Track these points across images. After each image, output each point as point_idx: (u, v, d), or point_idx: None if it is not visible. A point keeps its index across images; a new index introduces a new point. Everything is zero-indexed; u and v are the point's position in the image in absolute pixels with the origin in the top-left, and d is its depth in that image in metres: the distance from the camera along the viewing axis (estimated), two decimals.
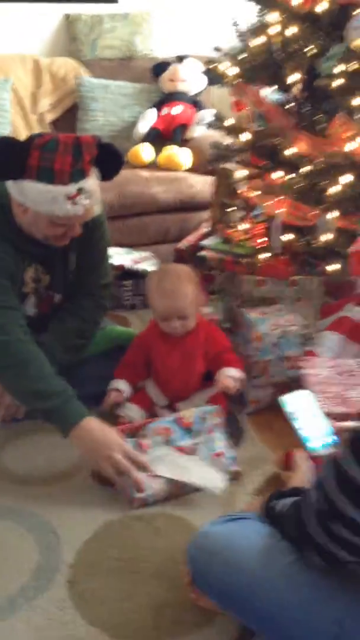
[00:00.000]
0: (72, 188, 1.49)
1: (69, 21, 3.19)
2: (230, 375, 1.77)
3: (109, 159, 1.57)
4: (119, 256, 2.58)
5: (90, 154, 1.50)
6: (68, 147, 1.47)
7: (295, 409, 1.19)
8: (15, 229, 1.62)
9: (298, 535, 1.04)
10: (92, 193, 1.54)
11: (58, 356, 1.73)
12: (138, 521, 1.50)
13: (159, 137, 2.97)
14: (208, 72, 3.08)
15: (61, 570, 1.36)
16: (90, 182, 1.52)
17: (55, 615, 1.26)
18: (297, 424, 1.17)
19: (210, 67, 2.18)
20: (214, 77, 2.95)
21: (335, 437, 1.19)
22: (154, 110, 3.05)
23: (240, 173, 2.10)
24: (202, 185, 2.79)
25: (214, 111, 2.49)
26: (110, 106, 3.05)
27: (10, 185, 1.54)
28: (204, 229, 2.57)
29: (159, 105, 3.06)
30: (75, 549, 1.42)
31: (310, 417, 1.20)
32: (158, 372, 1.82)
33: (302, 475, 1.58)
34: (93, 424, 1.53)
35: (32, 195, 1.50)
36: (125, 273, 2.54)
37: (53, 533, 1.46)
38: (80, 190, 1.50)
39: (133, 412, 1.78)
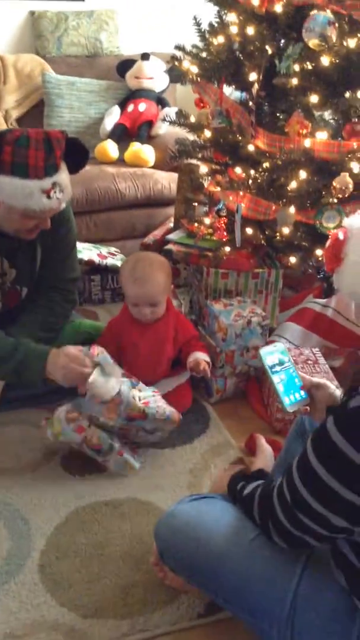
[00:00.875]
0: (47, 182, 1.53)
1: (34, 18, 3.19)
2: (202, 358, 1.84)
3: (76, 153, 1.61)
4: (87, 251, 2.61)
5: (60, 148, 1.54)
6: (39, 143, 1.51)
7: (272, 362, 1.24)
8: None
9: (262, 520, 1.10)
10: (65, 187, 1.58)
11: None
12: (106, 506, 1.56)
13: (124, 134, 3.01)
14: (171, 70, 3.14)
15: (32, 556, 1.41)
16: (63, 176, 1.57)
17: (27, 598, 1.31)
18: (273, 378, 1.23)
19: (173, 65, 2.22)
20: (177, 75, 3.03)
21: (304, 393, 1.27)
22: (118, 107, 3.08)
23: (203, 169, 2.15)
24: (167, 181, 2.84)
25: (176, 109, 2.54)
26: (76, 103, 3.07)
27: None
28: (169, 224, 2.62)
29: (124, 102, 3.09)
30: (45, 535, 1.46)
31: (285, 371, 1.26)
32: (128, 356, 1.87)
33: (265, 459, 1.65)
34: (53, 357, 1.62)
35: (7, 190, 1.52)
36: (94, 268, 2.58)
37: (23, 520, 1.50)
38: (54, 184, 1.54)
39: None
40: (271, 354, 1.20)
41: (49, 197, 1.54)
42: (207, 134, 2.05)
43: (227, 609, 1.20)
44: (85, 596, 1.32)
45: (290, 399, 1.22)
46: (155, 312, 1.81)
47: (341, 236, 1.15)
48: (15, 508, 1.54)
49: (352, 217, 1.18)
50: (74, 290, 1.95)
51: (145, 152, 2.91)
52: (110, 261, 2.62)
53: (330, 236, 1.17)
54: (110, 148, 2.94)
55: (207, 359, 1.86)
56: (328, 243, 1.17)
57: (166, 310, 1.85)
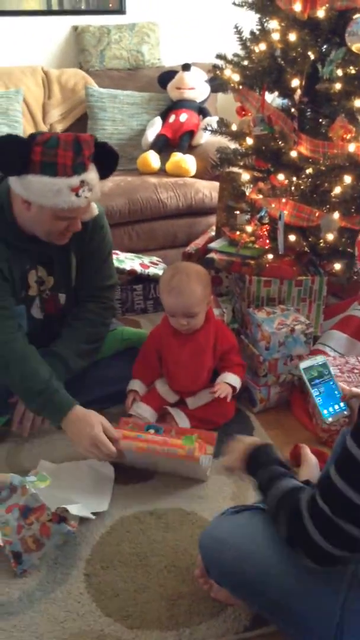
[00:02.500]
0: (75, 180, 1.54)
1: (77, 33, 3.26)
2: (228, 382, 1.82)
3: (106, 157, 1.63)
4: (129, 261, 2.63)
5: (89, 149, 1.56)
6: (68, 144, 1.53)
7: (311, 375, 1.23)
8: (14, 229, 1.66)
9: (289, 530, 1.06)
10: (94, 186, 1.59)
11: (72, 364, 1.78)
12: (150, 516, 1.55)
13: (166, 144, 3.03)
14: (212, 80, 3.15)
15: (78, 565, 1.41)
16: (91, 175, 1.58)
17: (73, 608, 1.31)
18: (312, 391, 1.21)
19: (214, 74, 2.22)
20: (218, 84, 3.03)
21: (343, 405, 1.24)
22: (160, 118, 3.10)
23: (245, 177, 2.14)
24: (209, 190, 2.84)
25: (217, 118, 2.54)
26: (119, 115, 3.11)
27: (14, 181, 1.58)
28: (211, 232, 2.62)
29: (165, 113, 3.12)
30: (90, 544, 1.47)
31: (325, 384, 1.24)
32: (168, 366, 1.87)
33: (310, 470, 1.62)
34: (77, 415, 1.62)
35: (36, 189, 1.54)
36: (136, 278, 2.59)
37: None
38: (82, 182, 1.55)
39: (142, 410, 1.83)
40: (310, 368, 1.20)
41: (77, 195, 1.55)
42: (249, 141, 2.05)
43: (273, 622, 1.17)
44: (130, 606, 1.32)
45: (329, 410, 1.20)
46: (192, 323, 1.79)
47: None
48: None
49: None
50: (112, 298, 1.96)
51: (186, 161, 2.92)
52: (152, 270, 2.63)
53: None
54: (152, 159, 2.97)
55: (236, 382, 1.83)
56: None
57: (206, 320, 1.83)
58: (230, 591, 1.23)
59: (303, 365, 1.21)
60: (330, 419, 1.22)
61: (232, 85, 2.06)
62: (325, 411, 1.20)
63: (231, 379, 1.83)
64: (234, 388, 1.83)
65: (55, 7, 3.25)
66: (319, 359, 1.27)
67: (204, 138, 3.03)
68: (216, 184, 2.75)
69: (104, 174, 1.64)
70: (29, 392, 1.66)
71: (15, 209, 1.64)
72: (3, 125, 2.88)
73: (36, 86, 3.14)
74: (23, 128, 2.99)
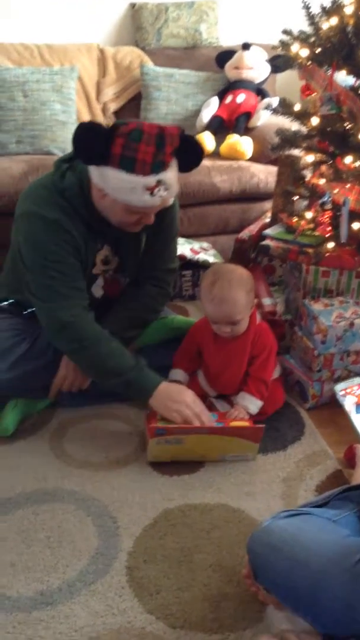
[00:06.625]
0: (151, 179, 1.48)
1: (135, 10, 3.18)
2: (245, 406, 1.70)
3: (190, 151, 1.56)
4: (179, 246, 2.55)
5: (172, 145, 1.49)
6: (152, 138, 1.46)
7: (349, 398, 1.14)
8: (91, 209, 1.63)
9: None
10: (171, 185, 1.52)
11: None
12: (195, 510, 1.49)
13: (221, 126, 2.93)
14: (273, 60, 3.02)
15: (119, 557, 1.36)
16: (169, 175, 1.51)
17: (114, 602, 1.26)
18: (351, 414, 1.13)
19: (279, 51, 2.11)
20: (280, 64, 2.91)
21: None
22: (217, 98, 3.00)
23: (309, 159, 2.03)
24: (264, 174, 2.73)
25: (278, 99, 2.42)
26: (174, 95, 3.03)
27: (92, 169, 1.54)
28: (266, 219, 2.52)
29: (222, 94, 3.01)
30: (133, 536, 1.41)
31: None
32: (207, 366, 1.80)
33: None
34: (165, 390, 1.62)
35: (112, 183, 1.50)
36: (186, 263, 2.52)
37: (112, 518, 1.46)
38: (159, 182, 1.49)
39: (174, 374, 1.79)
40: (348, 389, 1.10)
41: (152, 194, 1.50)
42: (314, 122, 1.93)
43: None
44: (173, 604, 1.25)
45: None
46: (236, 330, 1.70)
47: None
48: (104, 504, 1.50)
49: None
50: (171, 282, 1.91)
51: (242, 144, 2.81)
52: (202, 256, 2.56)
53: None
54: (207, 140, 2.87)
55: (255, 408, 1.71)
56: None
57: (248, 326, 1.73)
58: (280, 600, 1.15)
59: (339, 387, 1.13)
60: None
61: (299, 61, 1.94)
62: None
63: (250, 404, 1.71)
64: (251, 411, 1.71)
65: None
66: (357, 380, 1.17)
67: (262, 120, 2.91)
68: (272, 169, 2.64)
69: (186, 168, 1.57)
70: (114, 370, 1.62)
71: (93, 194, 1.60)
72: (56, 103, 2.83)
73: (91, 64, 3.08)
74: (76, 106, 2.93)
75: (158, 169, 1.48)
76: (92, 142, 1.47)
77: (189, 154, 1.56)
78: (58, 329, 1.63)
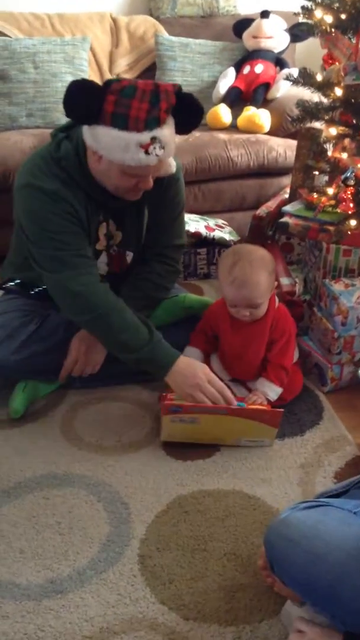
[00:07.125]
0: (145, 136, 1.40)
1: None
2: (264, 392, 1.65)
3: (188, 110, 1.47)
4: (194, 223, 2.48)
5: (167, 102, 1.40)
6: (146, 94, 1.39)
7: None
8: (89, 177, 1.56)
9: None
10: (167, 144, 1.44)
11: None
12: (209, 497, 1.44)
13: (238, 98, 2.83)
14: (292, 29, 2.90)
15: (131, 545, 1.32)
16: (165, 132, 1.43)
17: (126, 591, 1.22)
18: None
19: (300, 19, 2.00)
20: (301, 32, 2.79)
21: None
22: (234, 69, 2.89)
23: (332, 131, 1.94)
24: (283, 148, 2.63)
25: (297, 69, 2.32)
26: (189, 66, 2.92)
27: (85, 130, 1.47)
28: (284, 194, 2.43)
29: (239, 64, 2.90)
30: (146, 523, 1.37)
31: None
32: (223, 350, 1.74)
33: None
34: (181, 365, 1.57)
35: (105, 142, 1.43)
36: (201, 241, 2.45)
37: (124, 504, 1.42)
38: (153, 139, 1.41)
39: (189, 352, 1.72)
40: None
41: (147, 152, 1.42)
42: (338, 92, 1.84)
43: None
44: (186, 595, 1.22)
45: None
46: (255, 314, 1.63)
47: None
48: (115, 490, 1.46)
49: None
50: (179, 259, 1.84)
51: (260, 116, 2.71)
52: (217, 234, 2.48)
53: None
54: (223, 113, 2.77)
55: (274, 395, 1.65)
56: None
57: (267, 308, 1.66)
58: (299, 594, 1.11)
59: None
60: None
61: (323, 28, 1.83)
62: None
63: (270, 390, 1.66)
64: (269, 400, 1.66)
65: None
66: None
67: (281, 91, 2.80)
68: (291, 142, 2.54)
69: (183, 130, 1.49)
70: (130, 343, 1.57)
71: (88, 159, 1.53)
72: (68, 75, 2.75)
73: (103, 34, 2.98)
74: (89, 78, 2.84)
75: (152, 125, 1.40)
76: (83, 100, 1.40)
77: (188, 114, 1.47)
78: (68, 299, 1.58)
